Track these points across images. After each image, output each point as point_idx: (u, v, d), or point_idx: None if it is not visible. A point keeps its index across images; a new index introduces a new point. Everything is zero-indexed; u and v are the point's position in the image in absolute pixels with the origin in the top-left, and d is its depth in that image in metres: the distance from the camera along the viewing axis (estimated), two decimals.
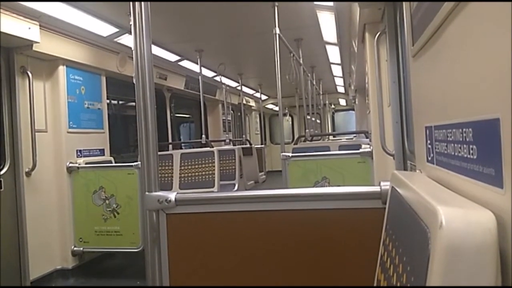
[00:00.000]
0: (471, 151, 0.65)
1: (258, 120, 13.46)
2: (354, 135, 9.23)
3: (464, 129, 0.68)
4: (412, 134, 1.53)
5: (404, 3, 1.27)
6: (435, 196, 0.67)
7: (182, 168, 5.66)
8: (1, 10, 3.26)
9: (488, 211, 0.55)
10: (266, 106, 13.42)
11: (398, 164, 2.75)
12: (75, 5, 3.72)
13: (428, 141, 0.98)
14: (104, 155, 4.74)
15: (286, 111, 13.03)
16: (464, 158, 0.68)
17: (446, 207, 0.57)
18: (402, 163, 2.74)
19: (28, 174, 3.82)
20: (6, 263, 3.60)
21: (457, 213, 0.55)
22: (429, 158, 0.97)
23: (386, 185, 1.30)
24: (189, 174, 5.63)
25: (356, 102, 11.20)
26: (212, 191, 5.38)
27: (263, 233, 1.48)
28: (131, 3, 1.56)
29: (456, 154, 0.73)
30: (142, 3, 1.55)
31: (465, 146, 0.68)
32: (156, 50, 5.48)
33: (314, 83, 8.48)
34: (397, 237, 0.85)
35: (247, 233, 1.49)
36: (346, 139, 8.98)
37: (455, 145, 0.73)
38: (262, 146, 11.54)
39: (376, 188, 1.37)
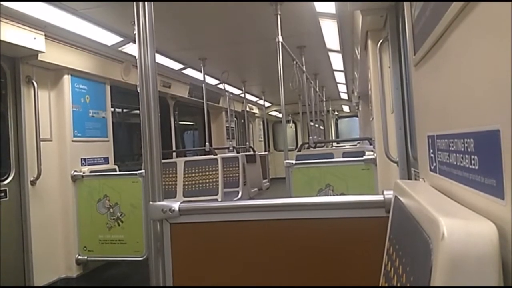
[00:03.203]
0: (472, 162, 0.65)
1: (261, 127, 13.47)
2: (358, 141, 9.20)
3: (465, 139, 0.69)
4: (416, 142, 1.53)
5: (406, 12, 1.28)
6: (437, 206, 0.67)
7: (186, 175, 5.66)
8: (7, 21, 3.30)
9: (490, 222, 0.55)
10: (270, 113, 13.44)
11: (402, 172, 2.75)
12: (80, 14, 3.76)
13: (431, 150, 0.98)
14: (108, 163, 4.76)
15: (290, 118, 13.03)
16: (466, 168, 0.68)
17: (448, 218, 0.57)
18: (406, 170, 2.73)
19: (33, 183, 3.84)
20: (10, 272, 3.61)
21: (458, 224, 0.55)
22: (432, 167, 0.97)
23: (389, 194, 1.30)
24: (193, 182, 5.63)
25: (360, 109, 11.19)
26: (216, 199, 5.38)
27: (266, 242, 1.48)
28: (135, 13, 1.58)
29: (458, 164, 0.73)
30: (146, 13, 1.57)
31: (466, 156, 0.68)
32: (160, 59, 5.52)
33: (317, 90, 8.49)
34: (401, 247, 0.85)
35: (251, 243, 1.49)
36: (350, 145, 8.97)
37: (457, 155, 0.74)
38: (266, 153, 11.53)
39: (379, 197, 1.37)
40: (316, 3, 4.01)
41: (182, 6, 3.88)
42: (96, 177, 4.31)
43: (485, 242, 0.52)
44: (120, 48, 4.72)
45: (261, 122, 13.27)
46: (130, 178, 4.23)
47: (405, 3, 1.28)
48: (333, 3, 3.97)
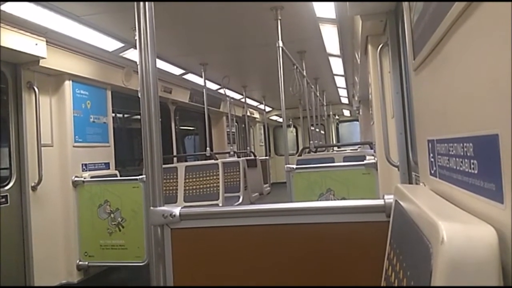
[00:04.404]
0: (472, 166, 0.65)
1: (262, 131, 13.48)
2: (359, 146, 9.20)
3: (465, 144, 0.69)
4: (416, 146, 1.53)
5: (405, 17, 1.29)
6: (437, 210, 0.68)
7: (187, 180, 5.67)
8: (9, 27, 3.32)
9: (489, 226, 0.55)
10: (270, 117, 13.45)
11: (402, 176, 2.74)
12: (81, 20, 3.78)
13: (431, 155, 0.98)
14: (109, 168, 4.76)
15: (290, 122, 13.04)
16: (466, 173, 0.69)
17: (448, 222, 0.57)
18: (407, 174, 2.73)
19: (34, 188, 3.84)
20: (11, 277, 3.60)
21: (458, 229, 0.55)
22: (432, 172, 0.98)
23: (390, 199, 1.30)
24: (194, 187, 5.63)
25: (360, 113, 11.20)
26: (217, 204, 5.37)
27: (267, 247, 1.48)
28: (136, 19, 1.59)
29: (457, 168, 0.73)
30: (147, 19, 1.58)
31: (466, 160, 0.68)
32: (161, 64, 5.53)
33: (318, 94, 8.50)
34: (401, 251, 0.85)
35: (252, 248, 1.49)
36: (351, 150, 8.96)
37: (457, 159, 0.74)
38: (267, 157, 11.53)
39: (380, 202, 1.37)
40: (316, 9, 4.02)
41: (182, 11, 3.90)
42: (97, 182, 4.31)
43: (484, 246, 0.52)
44: (121, 54, 4.74)
45: (262, 127, 13.27)
46: (131, 183, 4.23)
47: (404, 8, 1.28)
48: (333, 9, 3.99)
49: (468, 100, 0.70)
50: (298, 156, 5.77)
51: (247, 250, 1.49)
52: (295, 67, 4.99)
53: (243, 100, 9.09)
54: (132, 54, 4.76)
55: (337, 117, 14.78)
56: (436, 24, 0.83)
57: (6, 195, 3.65)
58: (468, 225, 0.57)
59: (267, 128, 13.13)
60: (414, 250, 0.70)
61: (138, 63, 1.61)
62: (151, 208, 1.55)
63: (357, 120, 13.63)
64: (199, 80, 6.55)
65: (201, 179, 5.62)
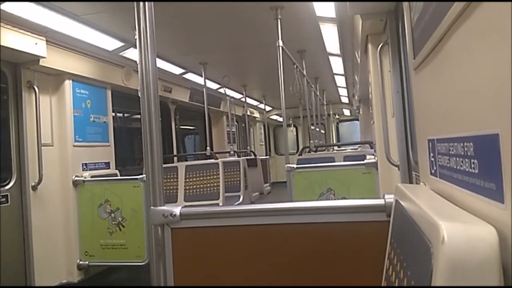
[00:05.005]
0: (472, 165, 0.65)
1: (262, 131, 13.48)
2: (359, 145, 9.20)
3: (465, 143, 0.69)
4: (416, 145, 1.53)
5: (405, 16, 1.29)
6: (438, 210, 0.67)
7: (187, 180, 5.66)
8: (9, 26, 3.32)
9: (490, 226, 0.55)
10: (270, 117, 13.44)
11: (403, 175, 2.74)
12: (81, 20, 3.78)
13: (431, 154, 0.98)
14: (109, 168, 4.76)
15: (291, 121, 13.03)
16: (466, 172, 0.68)
17: (448, 222, 0.57)
18: (407, 174, 2.73)
19: (34, 188, 3.84)
20: (12, 277, 3.61)
21: (459, 228, 0.55)
22: (433, 171, 0.97)
23: (390, 198, 1.30)
24: (194, 186, 5.63)
25: (360, 112, 11.20)
26: (217, 204, 5.37)
27: (267, 247, 1.48)
28: (136, 18, 1.59)
29: (458, 167, 0.73)
30: (147, 18, 1.58)
31: (466, 160, 0.68)
32: (161, 63, 5.53)
33: (318, 93, 8.50)
34: (402, 251, 0.85)
35: (252, 247, 1.49)
36: (351, 149, 8.96)
37: (457, 158, 0.74)
38: (267, 157, 11.53)
39: (380, 201, 1.37)
40: (316, 8, 4.02)
41: (182, 11, 3.90)
42: (97, 182, 4.31)
43: (485, 246, 0.52)
44: (121, 53, 4.74)
45: (262, 126, 13.27)
46: (131, 183, 4.23)
47: (404, 8, 1.28)
48: (333, 8, 3.99)
49: (468, 99, 0.70)
50: (299, 155, 5.77)
51: (247, 249, 1.50)
52: (295, 66, 4.99)
53: (243, 99, 9.08)
54: (132, 54, 4.75)
55: (337, 116, 14.78)
56: (436, 23, 0.83)
57: (7, 195, 3.65)
58: (468, 225, 0.57)
59: (267, 127, 13.13)
60: (415, 249, 0.70)
61: (138, 62, 1.61)
62: (152, 207, 1.55)
63: (357, 120, 13.63)
64: (199, 80, 6.55)
65: (201, 178, 5.63)
